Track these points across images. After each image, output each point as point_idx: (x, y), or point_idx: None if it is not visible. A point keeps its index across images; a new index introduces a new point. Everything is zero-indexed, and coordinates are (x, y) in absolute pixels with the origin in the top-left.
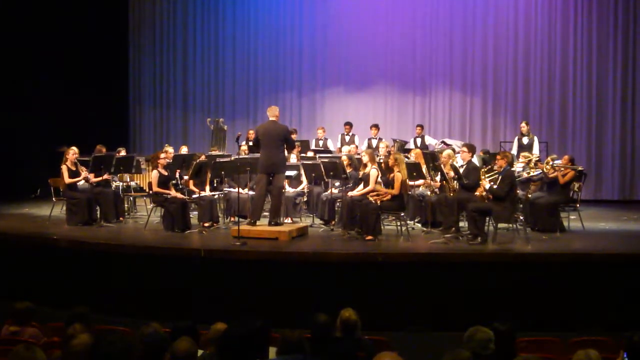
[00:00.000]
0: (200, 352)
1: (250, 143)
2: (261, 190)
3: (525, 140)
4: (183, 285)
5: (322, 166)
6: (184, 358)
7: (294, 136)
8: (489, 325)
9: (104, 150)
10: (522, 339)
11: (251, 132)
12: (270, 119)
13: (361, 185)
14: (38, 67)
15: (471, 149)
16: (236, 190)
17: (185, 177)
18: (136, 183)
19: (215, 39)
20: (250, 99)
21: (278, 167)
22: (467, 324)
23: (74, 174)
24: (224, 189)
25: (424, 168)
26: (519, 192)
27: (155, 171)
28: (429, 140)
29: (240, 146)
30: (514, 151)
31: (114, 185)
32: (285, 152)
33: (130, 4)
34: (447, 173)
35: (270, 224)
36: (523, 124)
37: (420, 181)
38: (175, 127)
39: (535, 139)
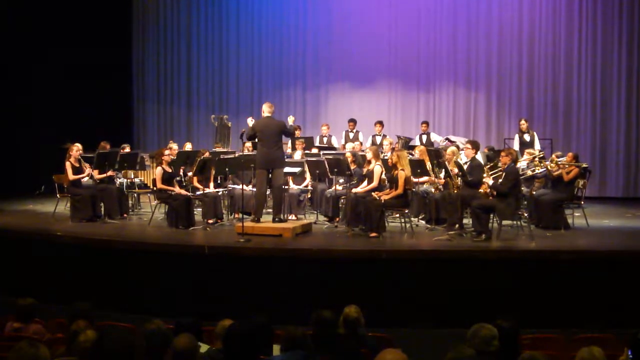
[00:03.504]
0: (206, 347)
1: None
2: (262, 188)
3: (526, 137)
4: (187, 281)
5: (326, 163)
6: (184, 354)
7: (298, 132)
8: (493, 322)
9: (108, 146)
10: (526, 336)
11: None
12: (266, 115)
13: (365, 182)
14: (41, 63)
15: (475, 146)
16: (240, 186)
17: (189, 174)
18: (140, 180)
19: (219, 36)
20: (254, 95)
21: (276, 162)
22: (471, 320)
23: (77, 170)
24: (228, 185)
25: (428, 165)
26: (524, 189)
27: (159, 168)
28: (434, 137)
29: (244, 143)
30: (516, 148)
31: (117, 182)
32: (284, 147)
33: (134, 1)
34: (451, 170)
35: (274, 220)
36: (522, 121)
37: (425, 178)
38: (179, 124)
39: (535, 134)
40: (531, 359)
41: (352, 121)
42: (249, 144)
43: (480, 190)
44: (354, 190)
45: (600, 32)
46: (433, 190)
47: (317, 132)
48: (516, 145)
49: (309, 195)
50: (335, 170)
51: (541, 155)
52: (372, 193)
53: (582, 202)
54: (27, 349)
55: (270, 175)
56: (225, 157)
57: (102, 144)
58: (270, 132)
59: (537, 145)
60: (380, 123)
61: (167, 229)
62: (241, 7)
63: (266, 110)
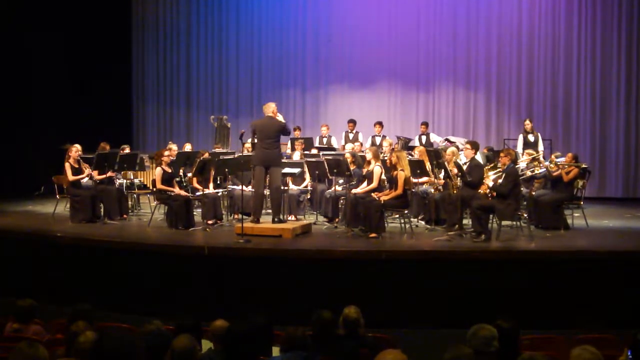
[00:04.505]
0: (206, 347)
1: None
2: (259, 188)
3: (531, 137)
4: (186, 282)
5: (325, 164)
6: (183, 354)
7: (297, 133)
8: (493, 323)
9: (107, 147)
10: (525, 337)
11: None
12: (267, 115)
13: (365, 183)
14: (41, 64)
15: (474, 146)
16: (240, 187)
17: (189, 175)
18: (140, 180)
19: (219, 36)
20: (253, 96)
21: (273, 160)
22: (471, 321)
23: (77, 171)
24: (228, 186)
25: (427, 165)
26: (523, 189)
27: (159, 168)
28: (434, 137)
29: (244, 143)
30: (519, 149)
31: (117, 183)
32: (288, 149)
33: (133, 1)
34: (450, 170)
35: (273, 221)
36: (527, 122)
37: (424, 178)
38: (179, 125)
39: (539, 135)
40: (531, 359)
41: (352, 122)
42: (248, 145)
43: (479, 190)
44: (353, 190)
45: (600, 33)
46: (433, 190)
47: (316, 133)
48: (520, 146)
49: (309, 196)
50: (335, 170)
51: (540, 156)
52: (372, 193)
53: (582, 203)
54: (26, 350)
55: (267, 175)
56: (225, 157)
57: (102, 144)
58: (269, 131)
59: (541, 146)
60: (380, 124)
61: (166, 230)
62: (241, 7)
63: (266, 110)
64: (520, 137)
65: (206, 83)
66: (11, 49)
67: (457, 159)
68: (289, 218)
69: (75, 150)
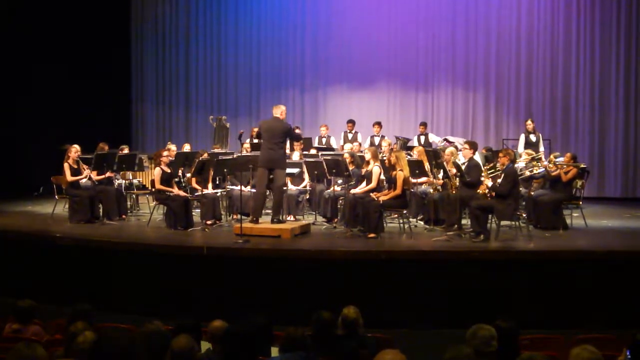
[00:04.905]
0: (206, 347)
1: (255, 140)
2: (261, 188)
3: (533, 137)
4: (185, 283)
5: (324, 164)
6: (182, 355)
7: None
8: (492, 323)
9: (106, 148)
10: (525, 337)
11: (255, 129)
12: (275, 116)
13: (364, 183)
14: (40, 65)
15: (473, 146)
16: (239, 187)
17: (188, 175)
18: (139, 181)
19: (218, 36)
20: (252, 96)
21: (277, 162)
22: (471, 321)
23: (76, 171)
24: (227, 186)
25: (426, 165)
26: (522, 189)
27: (157, 169)
28: (433, 137)
29: (242, 144)
30: (521, 149)
31: (116, 183)
32: (287, 150)
33: (132, 2)
34: (449, 170)
35: (272, 221)
36: (529, 122)
37: (423, 179)
38: (178, 125)
39: (541, 135)
40: (531, 359)
41: (351, 122)
42: (247, 145)
43: (478, 190)
44: (352, 191)
45: (598, 33)
46: (431, 190)
47: (315, 133)
48: (521, 145)
49: (308, 196)
50: (334, 171)
51: (539, 156)
52: (371, 194)
53: (581, 203)
54: (24, 350)
55: (271, 175)
56: (224, 158)
57: (101, 145)
58: (274, 133)
59: (542, 146)
60: (379, 124)
61: (165, 230)
62: (240, 8)
63: (274, 111)
64: (522, 136)
65: (205, 83)
66: (11, 47)
67: (456, 159)
68: (288, 218)
69: (75, 150)
